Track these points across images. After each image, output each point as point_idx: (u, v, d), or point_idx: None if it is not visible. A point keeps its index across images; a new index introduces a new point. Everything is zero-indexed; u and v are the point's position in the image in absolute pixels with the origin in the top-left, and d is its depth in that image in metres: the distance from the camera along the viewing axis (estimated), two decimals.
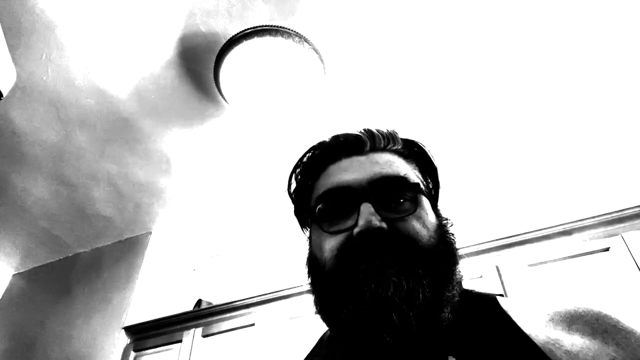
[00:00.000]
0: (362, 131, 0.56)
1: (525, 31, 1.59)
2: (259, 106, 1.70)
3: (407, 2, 1.49)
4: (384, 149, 0.55)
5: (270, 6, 1.48)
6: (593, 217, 1.57)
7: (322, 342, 0.57)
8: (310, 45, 1.57)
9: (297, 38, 1.54)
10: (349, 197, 0.49)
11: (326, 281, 0.47)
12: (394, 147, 0.56)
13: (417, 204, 0.49)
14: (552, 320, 0.43)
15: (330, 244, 0.48)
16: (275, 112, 1.75)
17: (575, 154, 2.07)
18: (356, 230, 0.45)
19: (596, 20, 1.56)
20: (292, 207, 0.62)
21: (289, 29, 1.52)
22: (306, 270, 0.53)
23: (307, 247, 0.55)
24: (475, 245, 1.69)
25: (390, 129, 0.58)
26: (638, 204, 1.54)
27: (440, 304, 0.43)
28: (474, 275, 1.63)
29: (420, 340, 0.43)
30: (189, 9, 1.49)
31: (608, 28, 1.59)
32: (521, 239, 1.64)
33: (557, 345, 0.40)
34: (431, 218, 0.50)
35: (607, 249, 1.49)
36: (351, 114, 1.87)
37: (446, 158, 2.08)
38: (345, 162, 0.54)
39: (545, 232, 1.62)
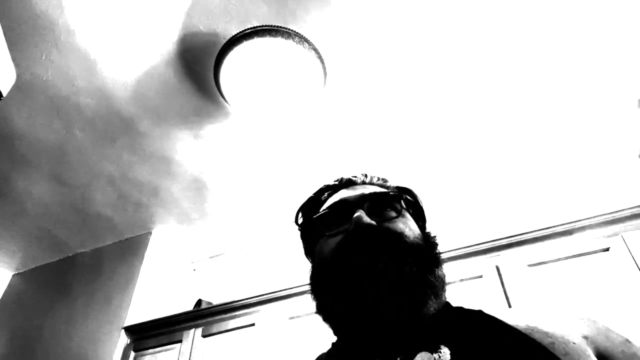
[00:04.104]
0: (359, 174, 0.70)
1: (524, 33, 1.59)
2: (259, 106, 1.70)
3: (408, 4, 1.49)
4: (374, 184, 0.68)
5: (270, 6, 1.48)
6: (593, 217, 1.57)
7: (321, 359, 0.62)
8: (310, 45, 1.57)
9: (297, 38, 1.54)
10: (345, 207, 0.60)
11: (326, 278, 0.55)
12: (385, 184, 0.69)
13: (400, 213, 0.59)
14: (530, 314, 0.52)
15: (330, 244, 0.57)
16: (276, 113, 1.75)
17: (575, 154, 2.08)
18: (351, 227, 0.55)
19: (595, 21, 1.56)
20: (293, 208, 0.71)
21: (289, 29, 1.52)
22: (310, 284, 0.60)
23: (311, 267, 0.64)
24: (475, 245, 1.69)
25: (383, 177, 0.71)
26: (638, 204, 1.54)
27: (424, 282, 0.50)
28: (474, 275, 1.62)
29: (411, 326, 0.48)
30: (189, 9, 1.49)
31: (608, 28, 1.59)
32: (521, 239, 1.64)
33: (536, 329, 0.47)
34: (415, 228, 0.59)
35: (607, 249, 1.49)
36: (351, 115, 1.87)
37: (447, 159, 2.08)
38: (342, 190, 0.66)
39: (545, 232, 1.62)
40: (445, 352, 0.45)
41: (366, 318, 0.48)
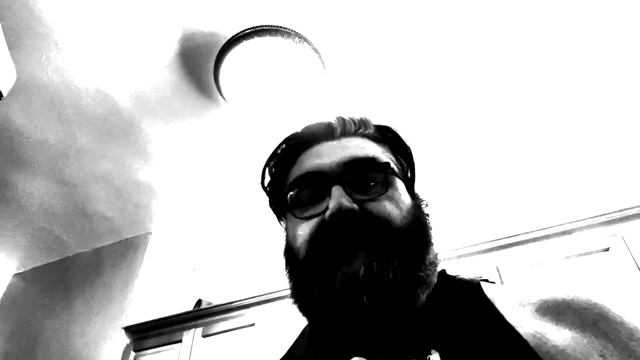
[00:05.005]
0: (333, 118, 0.58)
1: (525, 31, 1.59)
2: (259, 106, 1.70)
3: (407, 2, 1.49)
4: (355, 134, 0.56)
5: (270, 6, 1.48)
6: (593, 217, 1.57)
7: (304, 334, 0.57)
8: (310, 45, 1.57)
9: (297, 38, 1.54)
10: (320, 181, 0.49)
11: (300, 269, 0.47)
12: (366, 132, 0.57)
13: (388, 184, 0.49)
14: (539, 310, 0.42)
15: (303, 230, 0.48)
16: (275, 112, 1.75)
17: (575, 154, 2.07)
18: (327, 213, 0.45)
19: (596, 20, 1.56)
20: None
21: (289, 29, 1.52)
22: (284, 261, 0.53)
23: (284, 238, 0.55)
24: (475, 245, 1.69)
25: (362, 116, 0.59)
26: (638, 204, 1.54)
27: (412, 283, 0.43)
28: (474, 275, 1.62)
29: (397, 324, 0.42)
30: (189, 9, 1.49)
31: (608, 28, 1.59)
32: (521, 239, 1.64)
33: (543, 339, 0.39)
34: (404, 198, 0.50)
35: (607, 249, 1.49)
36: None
37: (447, 158, 2.08)
38: (316, 148, 0.55)
39: (545, 232, 1.62)
40: (435, 359, 0.40)
41: (345, 323, 0.43)
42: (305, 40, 1.55)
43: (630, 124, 1.94)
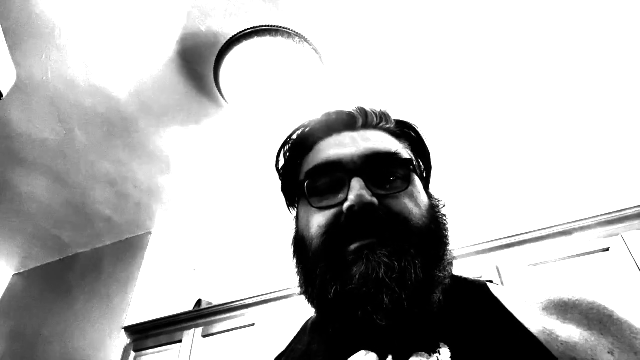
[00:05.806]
0: (355, 109, 0.56)
1: (526, 32, 1.59)
2: (259, 106, 1.70)
3: (408, 3, 1.49)
4: (376, 127, 0.55)
5: (270, 6, 1.48)
6: (593, 217, 1.57)
7: (306, 328, 0.56)
8: (310, 45, 1.57)
9: (297, 38, 1.54)
10: (340, 172, 0.48)
11: (313, 260, 0.46)
12: (386, 126, 0.56)
13: (409, 181, 0.48)
14: (546, 309, 0.42)
15: (318, 220, 0.47)
16: (275, 112, 1.75)
17: (575, 154, 2.08)
18: (346, 204, 0.43)
19: (596, 20, 1.56)
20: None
21: (289, 29, 1.52)
22: (291, 250, 0.52)
23: (294, 226, 0.54)
24: (475, 245, 1.69)
25: (382, 109, 0.58)
26: (638, 204, 1.54)
27: (431, 284, 0.43)
28: (474, 275, 1.63)
29: (411, 323, 0.42)
30: (189, 9, 1.49)
31: (608, 28, 1.59)
32: (521, 239, 1.64)
33: (553, 336, 0.39)
34: (423, 197, 0.49)
35: (607, 249, 1.49)
36: None
37: (447, 157, 2.08)
38: (336, 138, 0.53)
39: (545, 232, 1.62)
40: (445, 352, 0.40)
41: (361, 322, 0.42)
42: (305, 40, 1.55)
43: (630, 124, 1.94)
